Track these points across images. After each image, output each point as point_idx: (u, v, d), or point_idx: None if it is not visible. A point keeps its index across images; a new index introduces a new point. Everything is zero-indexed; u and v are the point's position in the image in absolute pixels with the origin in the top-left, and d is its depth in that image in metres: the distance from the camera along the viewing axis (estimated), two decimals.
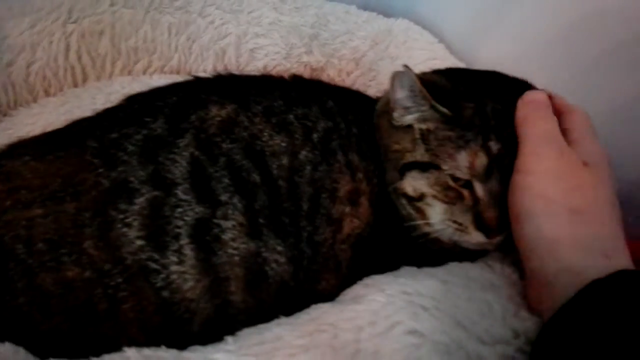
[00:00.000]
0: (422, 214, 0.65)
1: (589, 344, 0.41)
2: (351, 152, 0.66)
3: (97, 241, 0.55)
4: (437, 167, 0.62)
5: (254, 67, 1.06)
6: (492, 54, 1.05)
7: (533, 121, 0.56)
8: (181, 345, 0.53)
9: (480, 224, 0.60)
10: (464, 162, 0.60)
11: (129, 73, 1.02)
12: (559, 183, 0.52)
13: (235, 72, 1.02)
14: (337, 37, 1.06)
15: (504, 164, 0.59)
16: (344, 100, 0.71)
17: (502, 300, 0.56)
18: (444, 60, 1.02)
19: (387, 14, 1.15)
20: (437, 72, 0.69)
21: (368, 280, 0.61)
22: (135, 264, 0.55)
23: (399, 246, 0.65)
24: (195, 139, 0.60)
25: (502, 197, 0.59)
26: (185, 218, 0.56)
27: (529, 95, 0.59)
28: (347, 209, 0.64)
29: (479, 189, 0.60)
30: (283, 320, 0.56)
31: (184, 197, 0.57)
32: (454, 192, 0.62)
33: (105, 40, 0.98)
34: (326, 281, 0.64)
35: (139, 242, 0.55)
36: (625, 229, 0.52)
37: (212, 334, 0.55)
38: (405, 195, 0.65)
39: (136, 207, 0.56)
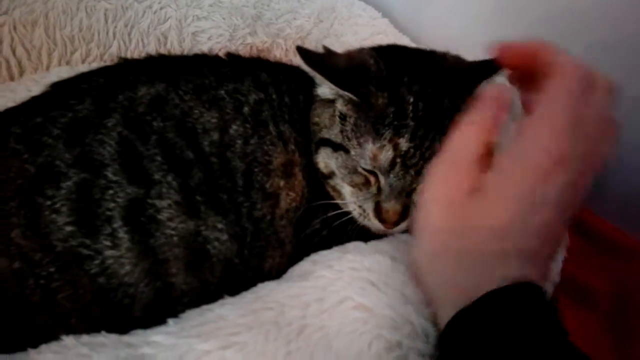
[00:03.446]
0: (337, 192, 0.64)
1: None
2: (282, 122, 0.65)
3: (25, 230, 0.52)
4: (347, 151, 0.61)
5: (198, 51, 1.02)
6: (436, 28, 1.04)
7: (461, 132, 0.49)
8: (124, 332, 0.51)
9: (378, 214, 0.60)
10: (368, 153, 0.58)
11: (67, 63, 0.98)
12: (442, 206, 0.49)
13: None
14: (280, 16, 1.04)
15: (414, 160, 0.57)
16: (280, 73, 0.70)
17: None
18: (388, 35, 1.01)
19: None
20: (373, 50, 0.66)
21: (315, 257, 0.60)
22: (66, 251, 0.53)
23: (333, 221, 0.64)
24: (123, 118, 0.58)
25: (407, 192, 0.59)
26: (117, 200, 0.55)
27: (486, 92, 0.51)
28: (282, 183, 0.63)
29: (381, 180, 0.59)
30: (228, 300, 0.55)
31: (114, 178, 0.55)
32: (360, 178, 0.61)
33: (39, 30, 0.94)
34: (272, 259, 0.63)
35: (69, 228, 0.53)
36: None
37: (155, 319, 0.53)
38: (319, 170, 0.64)
39: (63, 192, 0.53)
